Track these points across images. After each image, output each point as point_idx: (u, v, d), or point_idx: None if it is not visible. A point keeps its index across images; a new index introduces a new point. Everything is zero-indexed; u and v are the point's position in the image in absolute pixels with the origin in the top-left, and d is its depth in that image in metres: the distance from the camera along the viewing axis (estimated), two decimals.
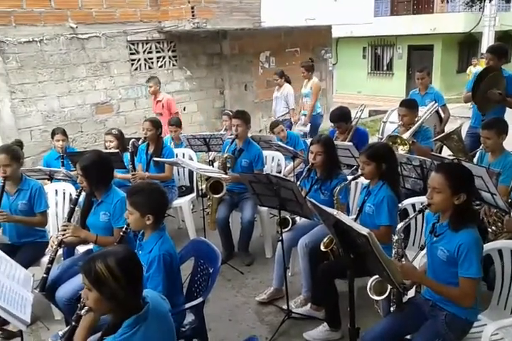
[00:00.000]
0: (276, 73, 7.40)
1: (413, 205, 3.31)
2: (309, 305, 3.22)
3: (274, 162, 4.86)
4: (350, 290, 2.13)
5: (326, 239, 3.01)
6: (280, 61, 10.05)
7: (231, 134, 5.43)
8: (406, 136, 4.14)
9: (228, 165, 4.29)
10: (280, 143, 4.89)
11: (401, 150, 4.02)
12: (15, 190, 3.32)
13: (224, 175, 3.98)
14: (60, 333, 3.10)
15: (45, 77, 6.85)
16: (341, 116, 4.57)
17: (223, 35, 8.92)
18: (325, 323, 3.00)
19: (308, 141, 4.58)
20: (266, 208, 4.14)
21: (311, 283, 3.22)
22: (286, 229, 3.39)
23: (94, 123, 7.42)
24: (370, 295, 2.36)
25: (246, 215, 4.03)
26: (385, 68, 18.64)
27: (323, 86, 11.09)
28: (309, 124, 6.94)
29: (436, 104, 5.08)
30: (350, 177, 3.44)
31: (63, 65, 7.04)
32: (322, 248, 3.00)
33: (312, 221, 3.35)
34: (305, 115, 7.23)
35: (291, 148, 4.88)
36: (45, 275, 2.84)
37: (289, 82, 7.44)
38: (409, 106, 4.33)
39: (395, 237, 2.38)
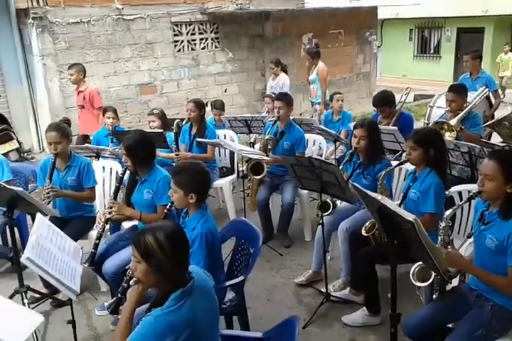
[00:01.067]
0: (272, 61, 7.07)
1: (460, 193, 3.22)
2: (348, 289, 3.23)
3: (316, 145, 4.82)
4: (393, 276, 2.11)
5: (367, 223, 2.98)
6: (323, 43, 9.79)
7: (273, 117, 5.43)
8: (453, 122, 4.01)
9: (269, 147, 4.29)
10: (323, 126, 4.84)
11: (448, 137, 3.90)
12: (64, 166, 3.45)
13: (265, 157, 3.98)
14: (106, 304, 3.26)
15: (92, 57, 7.01)
16: (384, 100, 4.44)
17: (266, 16, 8.82)
18: (364, 308, 3.00)
19: None
20: (306, 191, 4.13)
21: (350, 267, 3.21)
22: (326, 213, 3.37)
23: (139, 104, 7.56)
24: (413, 282, 2.34)
25: (286, 197, 4.04)
26: (432, 51, 17.92)
27: (367, 69, 10.85)
28: (325, 112, 6.60)
29: (487, 89, 4.87)
30: (394, 163, 3.37)
31: (109, 46, 7.17)
32: (363, 233, 2.98)
33: (353, 205, 3.33)
34: (313, 102, 6.94)
35: (334, 132, 4.83)
36: (93, 250, 2.96)
37: (286, 72, 7.15)
38: (458, 91, 4.17)
39: (443, 224, 2.33)
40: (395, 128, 4.07)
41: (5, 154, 4.86)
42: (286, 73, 7.03)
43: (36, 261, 2.17)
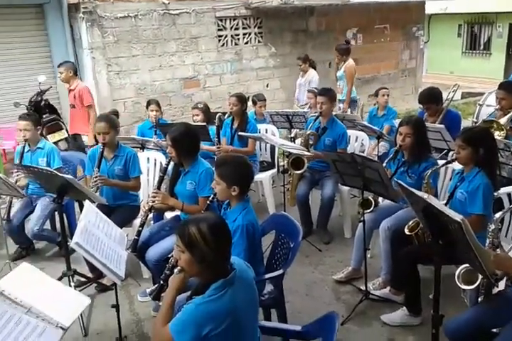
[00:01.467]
0: (300, 57, 6.93)
1: (509, 195, 3.10)
2: (388, 288, 3.18)
3: (358, 142, 4.75)
4: (437, 277, 2.07)
5: (411, 222, 2.92)
6: (368, 38, 9.68)
7: (315, 112, 5.40)
8: (503, 121, 3.86)
9: (311, 142, 4.27)
10: (366, 123, 4.77)
11: (497, 136, 3.75)
12: (112, 156, 3.57)
13: (306, 152, 3.97)
14: (148, 290, 3.32)
15: (138, 51, 7.17)
16: (431, 96, 4.31)
17: (310, 11, 8.73)
18: (404, 308, 2.95)
19: None
20: (347, 188, 4.09)
21: (391, 266, 3.16)
22: (368, 211, 3.33)
23: (182, 97, 7.67)
24: (459, 284, 2.27)
25: (326, 193, 4.01)
26: (481, 47, 17.23)
27: (412, 65, 10.56)
28: (348, 111, 6.49)
29: None
30: (440, 162, 3.28)
31: (155, 40, 7.30)
32: (406, 232, 2.91)
33: (396, 204, 3.27)
34: (340, 100, 6.62)
35: (377, 128, 4.75)
36: (136, 237, 3.05)
37: (314, 68, 7.02)
38: (509, 89, 4.01)
39: (492, 226, 2.25)
40: (442, 126, 3.95)
41: (55, 143, 5.05)
42: (315, 69, 6.90)
43: (84, 246, 2.25)
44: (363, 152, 4.67)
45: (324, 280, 3.50)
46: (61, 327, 1.80)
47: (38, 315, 1.79)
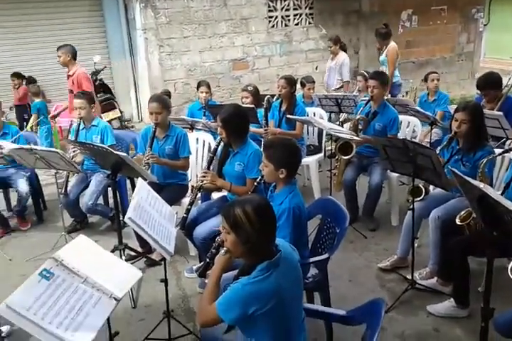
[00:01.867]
0: (331, 39, 6.66)
1: None
2: (435, 278, 3.11)
3: (410, 127, 4.61)
4: (489, 269, 2.00)
5: (463, 212, 2.82)
6: (423, 20, 9.25)
7: (364, 96, 5.27)
8: None
9: (360, 127, 4.19)
10: (419, 108, 4.61)
11: None
12: (163, 135, 3.64)
13: (355, 137, 3.89)
14: (194, 267, 3.42)
15: (189, 32, 7.21)
16: (489, 82, 4.09)
17: None
18: (451, 299, 2.88)
19: None
20: (396, 175, 4.00)
21: (439, 256, 3.09)
22: (418, 199, 3.24)
23: (231, 79, 7.68)
24: None
25: (374, 179, 3.94)
26: None
27: (470, 48, 10.05)
28: (389, 95, 6.14)
29: None
30: (497, 151, 3.14)
31: (206, 21, 7.31)
32: (458, 222, 2.83)
33: (447, 192, 3.16)
34: None
35: (431, 114, 4.58)
36: (185, 215, 3.13)
37: (345, 50, 6.69)
38: None
39: None
40: (501, 113, 3.77)
41: (108, 122, 5.21)
42: (346, 52, 6.67)
43: (137, 221, 2.33)
44: (415, 138, 4.53)
45: (369, 266, 3.47)
46: (114, 298, 1.89)
47: (94, 285, 1.88)
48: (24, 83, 6.76)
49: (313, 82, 5.67)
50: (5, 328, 2.85)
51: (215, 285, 1.98)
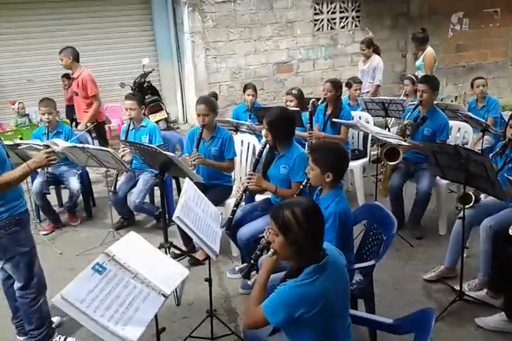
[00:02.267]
0: (363, 42, 6.50)
1: None
2: (485, 290, 2.99)
3: (460, 134, 4.46)
4: None
5: None
6: (475, 23, 8.96)
7: (412, 100, 5.15)
8: None
9: (407, 132, 4.09)
10: (470, 113, 4.46)
11: None
12: (209, 137, 3.69)
13: (403, 142, 3.81)
14: (237, 268, 3.48)
15: (235, 35, 7.29)
16: None
17: None
18: (502, 312, 2.76)
19: None
20: (445, 182, 3.88)
21: (490, 268, 2.97)
22: (467, 206, 3.13)
23: (275, 82, 7.71)
24: None
25: (423, 186, 3.83)
26: None
27: None
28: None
29: None
30: None
31: (252, 25, 7.37)
32: (511, 232, 2.71)
33: (499, 201, 3.04)
34: None
35: (483, 120, 4.42)
36: (230, 216, 3.16)
37: (378, 53, 6.52)
38: None
39: None
40: None
41: (155, 123, 5.34)
42: (379, 55, 6.51)
43: (185, 220, 2.37)
44: (465, 145, 4.38)
45: (415, 275, 3.38)
46: (163, 294, 1.93)
47: (143, 280, 1.92)
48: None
49: (360, 82, 5.61)
50: (55, 319, 2.96)
51: (262, 287, 1.98)
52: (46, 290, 2.76)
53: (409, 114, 4.12)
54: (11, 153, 3.13)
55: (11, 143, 3.59)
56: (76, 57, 5.11)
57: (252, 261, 2.60)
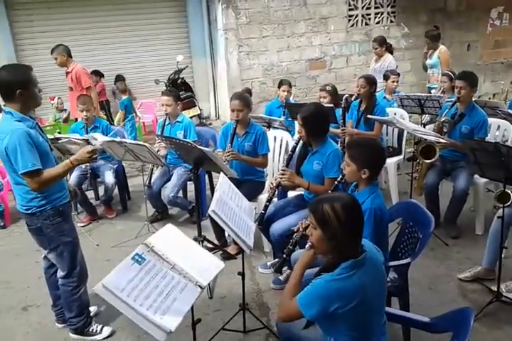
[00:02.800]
0: (376, 39, 6.25)
1: None
2: None
3: (500, 131, 4.33)
4: None
5: None
6: None
7: (449, 97, 5.03)
8: None
9: (445, 130, 4.00)
10: (510, 111, 4.31)
11: None
12: (243, 132, 3.72)
13: (441, 140, 3.73)
14: (268, 263, 3.50)
15: (268, 32, 7.29)
16: None
17: None
18: None
19: None
20: (483, 181, 3.79)
21: None
22: (506, 204, 3.04)
23: (307, 79, 7.67)
24: None
25: (460, 185, 3.74)
26: None
27: None
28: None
29: None
30: None
31: (285, 21, 7.35)
32: None
33: None
34: (430, 88, 6.22)
35: None
36: (263, 211, 3.17)
37: (391, 52, 6.29)
38: None
39: None
40: None
41: None
42: (392, 54, 6.28)
43: (220, 214, 2.39)
44: (505, 143, 4.25)
45: (450, 275, 3.32)
46: (199, 286, 1.96)
47: (181, 272, 1.96)
48: (102, 80, 7.17)
49: (398, 74, 5.53)
50: (93, 308, 3.06)
51: (298, 281, 1.98)
52: (87, 279, 2.86)
53: (447, 110, 4.03)
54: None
55: (52, 137, 3.70)
56: (69, 54, 5.23)
57: (285, 256, 2.62)
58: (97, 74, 7.15)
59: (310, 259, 2.00)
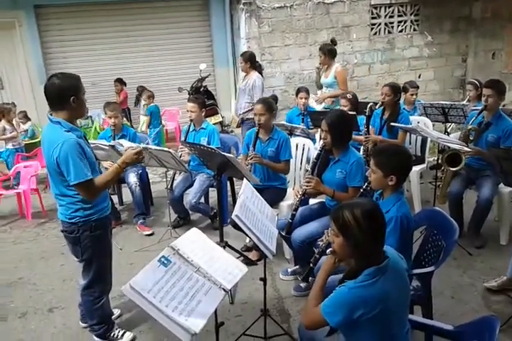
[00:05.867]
0: (242, 54, 5.55)
1: None
2: None
3: None
4: None
5: None
6: None
7: (475, 105, 4.97)
8: None
9: (470, 138, 3.96)
10: None
11: None
12: (267, 137, 3.75)
13: (466, 148, 3.69)
14: (289, 270, 3.50)
15: (290, 40, 7.36)
16: None
17: None
18: None
19: None
20: (508, 190, 3.72)
21: None
22: None
23: None
24: None
25: (485, 194, 3.69)
26: None
27: None
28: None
29: None
30: None
31: (307, 30, 7.41)
32: None
33: None
34: (326, 108, 5.44)
35: None
36: (290, 220, 3.17)
37: (260, 72, 5.58)
38: None
39: None
40: None
41: None
42: (261, 73, 5.59)
43: (243, 219, 2.42)
44: None
45: (473, 285, 3.27)
46: (223, 289, 1.99)
47: (205, 275, 1.99)
48: (125, 88, 7.33)
49: (417, 87, 5.48)
50: (115, 311, 3.10)
51: (321, 287, 1.99)
52: (110, 290, 2.86)
53: (473, 119, 3.99)
54: None
55: None
56: None
57: (312, 265, 2.60)
58: (121, 82, 7.31)
59: (332, 266, 2.01)
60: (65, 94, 2.41)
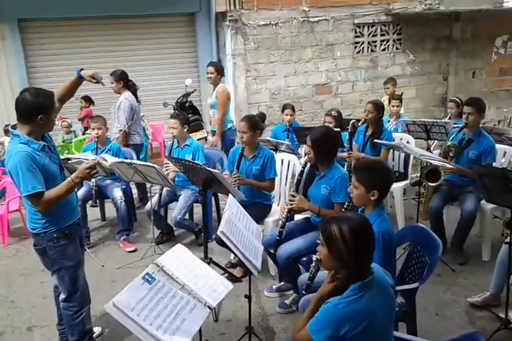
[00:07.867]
0: (111, 74, 4.96)
1: None
2: None
3: (506, 158, 4.35)
4: None
5: None
6: None
7: (455, 123, 5.08)
8: None
9: (451, 154, 4.03)
10: None
11: None
12: (251, 155, 3.75)
13: (448, 165, 3.75)
14: (274, 287, 3.48)
15: (276, 57, 7.44)
16: None
17: (455, 17, 8.26)
18: None
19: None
20: (490, 207, 3.79)
21: None
22: None
23: (313, 103, 7.78)
24: None
25: (467, 208, 3.74)
26: None
27: None
28: (220, 143, 5.39)
29: None
30: None
31: (292, 47, 7.52)
32: None
33: None
34: (212, 131, 5.52)
35: None
36: (278, 237, 3.16)
37: (134, 88, 5.08)
38: None
39: None
40: None
41: None
42: (135, 92, 5.15)
43: (228, 235, 2.41)
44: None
45: (457, 301, 3.29)
46: (208, 307, 1.96)
47: (190, 292, 1.97)
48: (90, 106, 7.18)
49: (399, 99, 5.68)
50: (96, 329, 3.03)
51: (314, 312, 1.94)
52: (89, 304, 2.82)
53: (454, 136, 4.08)
54: None
55: (62, 157, 3.75)
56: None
57: (308, 281, 2.58)
58: (86, 100, 7.21)
59: (327, 294, 1.96)
60: (33, 112, 2.44)
